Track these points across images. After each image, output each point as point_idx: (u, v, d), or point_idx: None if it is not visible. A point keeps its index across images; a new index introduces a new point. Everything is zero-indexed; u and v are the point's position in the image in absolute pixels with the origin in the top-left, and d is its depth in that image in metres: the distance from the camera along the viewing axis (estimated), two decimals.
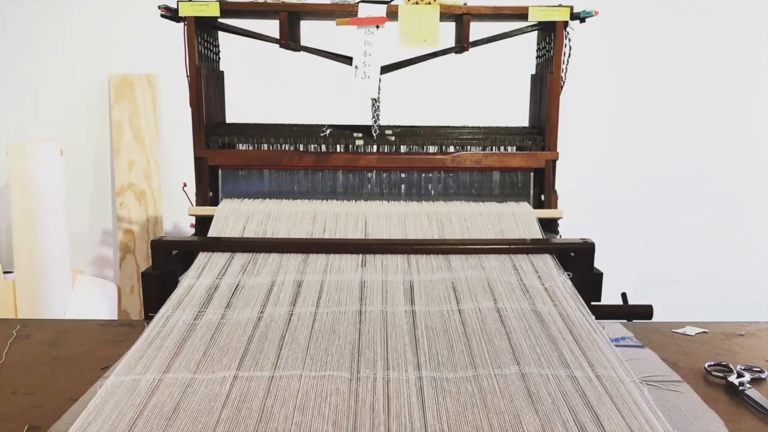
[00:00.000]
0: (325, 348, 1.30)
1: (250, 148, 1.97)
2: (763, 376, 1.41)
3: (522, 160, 1.96)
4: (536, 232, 1.81)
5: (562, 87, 1.95)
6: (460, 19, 1.91)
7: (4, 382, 1.37)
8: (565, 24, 1.91)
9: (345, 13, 1.86)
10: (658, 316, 1.78)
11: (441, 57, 1.98)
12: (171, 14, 1.84)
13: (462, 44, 1.92)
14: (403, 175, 1.97)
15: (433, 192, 1.98)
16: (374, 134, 1.97)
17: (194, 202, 1.94)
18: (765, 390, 1.35)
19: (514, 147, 1.98)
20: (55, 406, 1.27)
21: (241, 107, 2.32)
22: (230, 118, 2.17)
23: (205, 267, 1.63)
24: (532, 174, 1.98)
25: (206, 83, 1.95)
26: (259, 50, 2.12)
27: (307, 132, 2.01)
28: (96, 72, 3.75)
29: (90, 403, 1.11)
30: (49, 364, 1.48)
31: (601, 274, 1.71)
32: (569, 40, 1.92)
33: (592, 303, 1.67)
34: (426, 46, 1.87)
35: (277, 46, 1.92)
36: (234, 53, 2.26)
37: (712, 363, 1.46)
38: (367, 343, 1.32)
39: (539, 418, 1.07)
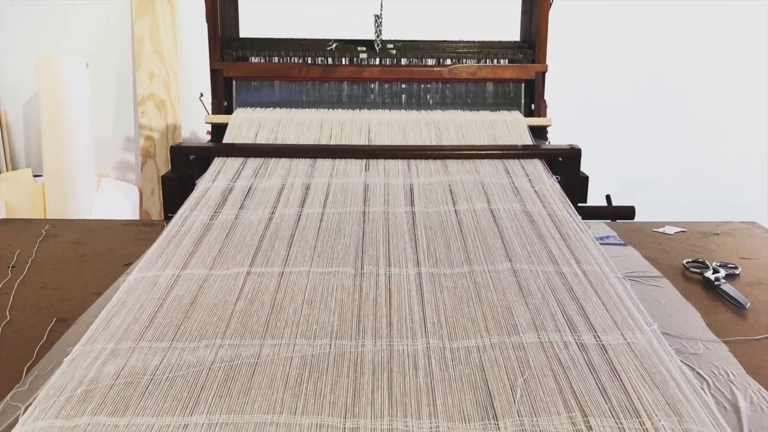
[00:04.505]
0: (332, 246, 1.27)
1: (262, 60, 1.94)
2: (737, 272, 1.39)
3: (514, 72, 1.93)
4: (527, 139, 1.78)
5: (551, 4, 1.91)
6: None
7: (34, 278, 1.35)
8: None
9: None
10: (639, 217, 1.77)
11: None
12: None
13: None
14: (403, 85, 1.94)
15: (431, 101, 1.94)
16: (377, 48, 1.94)
17: (210, 111, 1.92)
18: (738, 285, 1.33)
19: (507, 60, 1.96)
20: (81, 299, 1.25)
21: (253, 23, 2.26)
22: (243, 33, 2.11)
23: (220, 171, 1.61)
24: (523, 85, 1.95)
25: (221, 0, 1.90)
26: None
27: (315, 46, 1.97)
28: None
29: (113, 297, 1.10)
30: (75, 261, 1.45)
31: (587, 178, 1.70)
32: None
33: (579, 204, 1.66)
34: None
35: None
36: None
37: (690, 260, 1.44)
38: (371, 241, 1.29)
39: (529, 311, 1.05)
